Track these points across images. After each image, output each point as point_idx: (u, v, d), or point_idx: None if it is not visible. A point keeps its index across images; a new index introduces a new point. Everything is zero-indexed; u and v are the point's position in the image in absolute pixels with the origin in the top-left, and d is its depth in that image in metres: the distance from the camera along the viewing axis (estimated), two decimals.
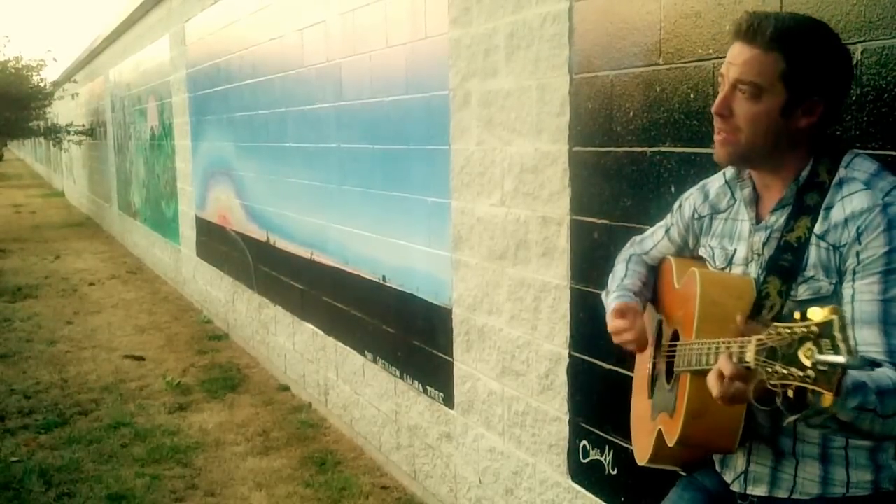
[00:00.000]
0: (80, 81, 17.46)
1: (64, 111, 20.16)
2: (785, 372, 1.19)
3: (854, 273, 1.45)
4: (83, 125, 16.95)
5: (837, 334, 1.16)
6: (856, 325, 1.43)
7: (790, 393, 1.20)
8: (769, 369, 1.22)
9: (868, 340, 1.42)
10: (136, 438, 4.68)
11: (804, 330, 1.18)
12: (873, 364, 1.20)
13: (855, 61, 1.77)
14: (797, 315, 1.21)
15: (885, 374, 1.36)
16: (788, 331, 1.20)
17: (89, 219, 17.32)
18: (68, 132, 17.49)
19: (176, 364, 6.21)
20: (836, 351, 1.15)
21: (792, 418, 1.27)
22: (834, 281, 1.48)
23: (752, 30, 1.49)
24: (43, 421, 4.99)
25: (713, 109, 1.56)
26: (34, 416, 5.11)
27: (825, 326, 1.17)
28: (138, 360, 6.33)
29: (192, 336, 7.13)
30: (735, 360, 1.34)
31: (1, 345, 6.88)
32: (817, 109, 1.50)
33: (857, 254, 1.44)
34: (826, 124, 1.55)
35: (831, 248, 1.48)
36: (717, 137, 1.58)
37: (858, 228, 1.44)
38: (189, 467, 4.28)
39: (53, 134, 18.59)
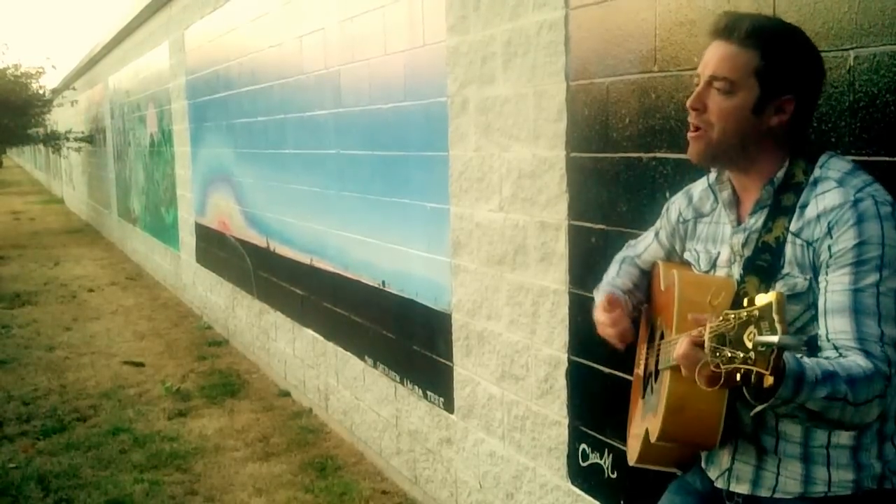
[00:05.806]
0: (80, 88, 17.49)
1: (63, 118, 20.16)
2: (730, 355, 1.25)
3: (827, 267, 1.48)
4: (82, 132, 16.97)
5: (776, 316, 1.20)
6: (828, 315, 1.47)
7: (738, 377, 1.25)
8: (718, 353, 1.27)
9: (839, 329, 1.45)
10: (135, 444, 4.68)
11: (747, 314, 1.24)
12: (810, 344, 1.24)
13: (847, 68, 1.79)
14: (745, 301, 1.27)
15: (854, 362, 1.40)
16: (734, 316, 1.26)
17: (88, 225, 17.33)
18: (67, 139, 17.50)
19: (175, 370, 6.21)
20: (772, 332, 1.20)
21: (759, 408, 1.32)
22: (808, 276, 1.52)
23: (730, 27, 1.55)
24: (41, 427, 5.00)
25: (688, 104, 1.61)
26: (33, 422, 5.12)
27: (765, 309, 1.22)
28: (137, 365, 6.34)
29: (192, 342, 7.14)
30: (694, 343, 1.38)
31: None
32: (789, 108, 1.54)
33: (829, 248, 1.48)
34: (799, 125, 1.59)
35: (805, 244, 1.52)
36: (690, 135, 1.63)
37: (829, 223, 1.48)
38: (188, 473, 4.29)
39: (53, 141, 18.58)
